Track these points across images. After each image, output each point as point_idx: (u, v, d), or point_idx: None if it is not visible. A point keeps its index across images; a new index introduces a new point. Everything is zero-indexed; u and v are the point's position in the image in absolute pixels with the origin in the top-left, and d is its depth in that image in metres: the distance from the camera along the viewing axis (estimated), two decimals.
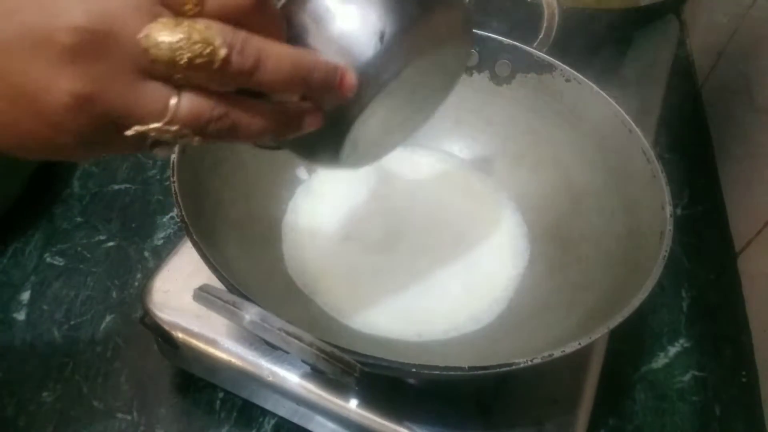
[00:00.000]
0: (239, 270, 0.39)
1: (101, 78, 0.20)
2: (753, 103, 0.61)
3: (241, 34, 0.22)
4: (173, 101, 0.21)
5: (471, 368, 0.31)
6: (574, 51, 0.50)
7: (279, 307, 0.34)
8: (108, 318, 0.51)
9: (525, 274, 0.47)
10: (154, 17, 0.20)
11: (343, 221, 0.48)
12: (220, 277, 0.33)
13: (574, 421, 0.40)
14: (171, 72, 0.21)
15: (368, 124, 0.29)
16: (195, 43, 0.20)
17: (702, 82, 0.77)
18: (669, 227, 0.37)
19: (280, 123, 0.25)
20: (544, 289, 0.45)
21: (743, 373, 0.50)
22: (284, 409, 0.44)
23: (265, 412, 0.46)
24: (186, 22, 0.21)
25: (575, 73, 0.47)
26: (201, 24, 0.21)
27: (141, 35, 0.20)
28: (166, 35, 0.20)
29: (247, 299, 0.31)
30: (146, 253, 0.55)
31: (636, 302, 0.33)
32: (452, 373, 0.31)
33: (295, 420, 0.44)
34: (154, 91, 0.21)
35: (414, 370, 0.31)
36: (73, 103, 0.20)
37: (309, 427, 0.44)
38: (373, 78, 0.26)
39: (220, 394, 0.47)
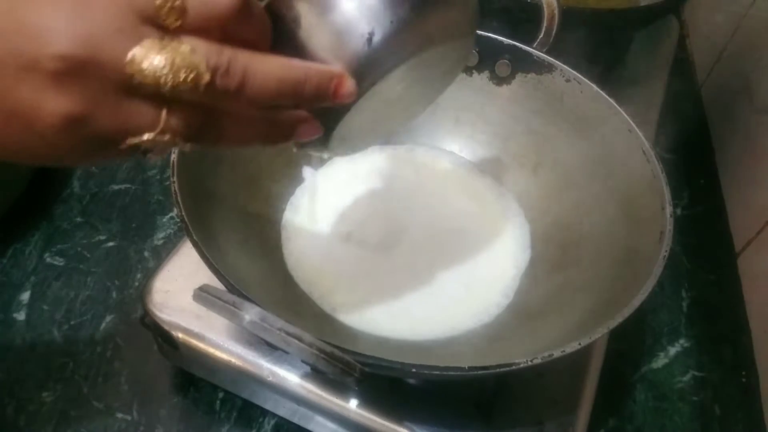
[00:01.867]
0: (239, 270, 0.39)
1: (89, 100, 0.20)
2: (753, 103, 0.61)
3: (227, 54, 0.22)
4: (163, 113, 0.22)
5: (471, 368, 0.31)
6: (574, 51, 0.50)
7: (279, 307, 0.34)
8: (108, 318, 0.51)
9: (525, 274, 0.47)
10: (138, 39, 0.20)
11: (344, 221, 0.48)
12: (220, 277, 0.33)
13: (574, 421, 0.40)
14: (157, 92, 0.21)
15: (357, 119, 0.28)
16: (179, 69, 0.21)
17: (702, 82, 0.77)
18: (669, 227, 0.37)
19: (271, 131, 0.26)
20: (544, 289, 0.45)
21: (743, 373, 0.50)
22: (284, 409, 0.44)
23: (265, 412, 0.46)
24: (170, 45, 0.21)
25: (575, 73, 0.47)
26: (185, 46, 0.21)
27: (125, 61, 0.20)
28: (149, 62, 0.20)
29: (247, 299, 0.31)
30: (146, 253, 0.55)
31: (636, 302, 0.33)
32: (452, 373, 0.31)
33: (295, 420, 0.44)
34: (143, 107, 0.21)
35: (414, 370, 0.31)
36: (62, 124, 0.20)
37: (309, 427, 0.44)
38: (361, 79, 0.26)
39: (220, 394, 0.47)
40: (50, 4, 0.20)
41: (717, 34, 0.74)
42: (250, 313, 0.29)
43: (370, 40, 0.25)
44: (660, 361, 0.52)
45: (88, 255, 0.55)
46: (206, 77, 0.21)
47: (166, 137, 0.22)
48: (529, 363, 0.31)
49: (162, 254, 0.55)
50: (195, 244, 0.34)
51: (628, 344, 0.52)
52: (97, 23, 0.20)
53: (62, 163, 0.23)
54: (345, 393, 0.39)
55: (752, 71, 0.63)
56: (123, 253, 0.55)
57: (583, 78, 0.47)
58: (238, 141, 0.25)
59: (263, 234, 0.46)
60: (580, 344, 0.32)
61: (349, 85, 0.25)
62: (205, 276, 0.33)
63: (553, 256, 0.47)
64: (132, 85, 0.21)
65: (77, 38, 0.20)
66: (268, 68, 0.23)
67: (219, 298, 0.30)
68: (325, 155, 0.32)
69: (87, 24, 0.20)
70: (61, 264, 0.54)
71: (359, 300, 0.44)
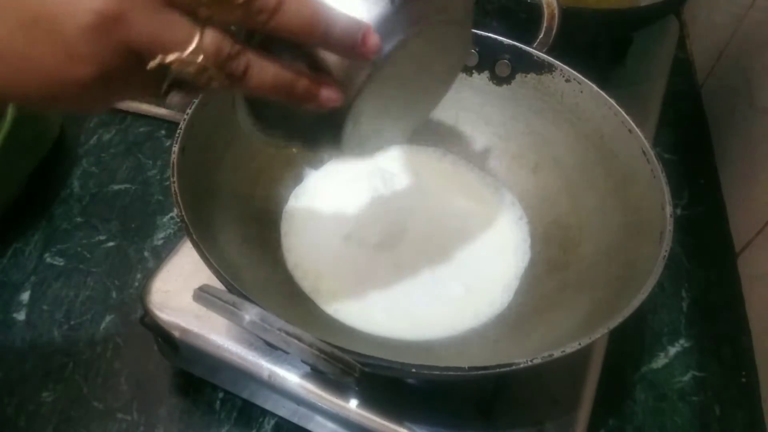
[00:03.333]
0: (239, 270, 0.39)
1: (126, 1, 0.20)
2: (753, 103, 0.61)
3: None
4: (197, 33, 0.22)
5: (471, 368, 0.31)
6: (574, 51, 0.50)
7: (279, 307, 0.34)
8: (108, 318, 0.51)
9: (525, 274, 0.47)
10: None
11: (344, 221, 0.48)
12: (220, 277, 0.33)
13: (574, 421, 0.40)
14: (196, 4, 0.21)
15: (370, 105, 0.28)
16: None
17: (702, 82, 0.77)
18: (669, 227, 0.37)
19: (295, 84, 0.25)
20: (544, 289, 0.45)
21: (743, 373, 0.50)
22: (284, 409, 0.44)
23: (265, 412, 0.46)
24: None
25: (575, 73, 0.47)
26: None
27: None
28: None
29: (247, 299, 0.31)
30: (146, 253, 0.55)
31: (636, 302, 0.33)
32: (452, 373, 0.31)
33: (295, 420, 0.44)
34: (179, 21, 0.21)
35: (414, 370, 0.31)
36: (97, 22, 0.20)
37: (309, 427, 0.44)
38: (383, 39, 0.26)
39: (220, 394, 0.47)
40: None
41: (717, 34, 0.74)
42: (250, 313, 0.29)
43: (393, 0, 0.26)
44: (660, 361, 0.52)
45: (88, 255, 0.55)
46: None
47: (198, 60, 0.22)
48: (529, 363, 0.31)
49: (162, 254, 0.55)
50: (195, 244, 0.34)
51: (628, 344, 0.52)
52: None
53: (73, 95, 0.22)
54: (345, 393, 0.39)
55: (752, 71, 0.63)
56: (123, 253, 0.55)
57: (583, 78, 0.47)
58: (262, 85, 0.24)
59: (263, 234, 0.46)
60: (580, 344, 0.32)
61: (374, 38, 0.25)
62: (205, 276, 0.33)
63: (553, 256, 0.47)
64: None
65: None
66: (302, 3, 0.23)
67: (219, 298, 0.30)
68: (336, 155, 0.31)
69: None
70: (61, 264, 0.54)
71: (359, 300, 0.44)
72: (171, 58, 0.21)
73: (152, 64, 0.21)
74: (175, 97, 0.24)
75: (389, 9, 0.26)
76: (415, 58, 0.29)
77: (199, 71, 0.22)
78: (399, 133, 0.36)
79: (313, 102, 0.26)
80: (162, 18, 0.21)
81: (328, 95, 0.26)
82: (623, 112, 0.44)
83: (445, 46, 0.31)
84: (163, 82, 0.23)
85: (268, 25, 0.23)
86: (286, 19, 0.23)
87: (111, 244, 0.56)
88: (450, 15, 0.29)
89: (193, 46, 0.22)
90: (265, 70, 0.24)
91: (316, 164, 0.52)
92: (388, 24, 0.26)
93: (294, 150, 0.31)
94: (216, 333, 0.41)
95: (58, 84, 0.21)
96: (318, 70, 0.26)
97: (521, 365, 0.31)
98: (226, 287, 0.33)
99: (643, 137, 0.43)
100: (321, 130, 0.29)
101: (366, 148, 0.34)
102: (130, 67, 0.22)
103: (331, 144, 0.30)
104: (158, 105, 0.68)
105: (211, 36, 0.22)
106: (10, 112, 0.52)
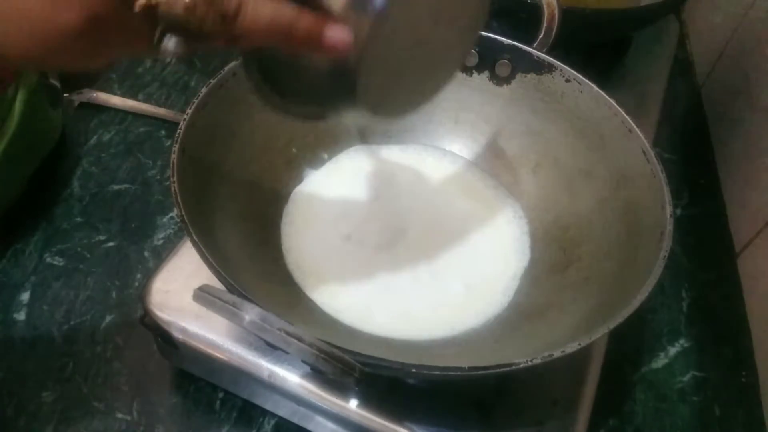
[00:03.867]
0: (239, 270, 0.39)
1: None
2: (753, 103, 0.61)
3: None
4: None
5: (471, 368, 0.31)
6: (574, 51, 0.50)
7: (279, 307, 0.34)
8: (108, 318, 0.51)
9: (525, 274, 0.47)
10: None
11: (344, 221, 0.48)
12: (220, 278, 0.33)
13: (574, 421, 0.40)
14: None
15: (383, 55, 0.27)
16: None
17: (702, 82, 0.77)
18: (669, 227, 0.37)
19: (294, 22, 0.23)
20: (545, 289, 0.45)
21: (743, 373, 0.50)
22: (284, 409, 0.44)
23: (265, 412, 0.46)
24: None
25: (575, 73, 0.47)
26: None
27: None
28: None
29: (247, 299, 0.31)
30: (146, 253, 0.55)
31: (636, 302, 0.33)
32: (452, 373, 0.31)
33: (295, 420, 0.44)
34: None
35: (414, 370, 0.31)
36: None
37: (309, 427, 0.44)
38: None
39: (220, 394, 0.47)
40: None
41: (717, 34, 0.74)
42: (250, 313, 0.29)
43: None
44: (660, 361, 0.52)
45: (88, 255, 0.55)
46: None
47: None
48: (529, 363, 0.31)
49: (162, 254, 0.55)
50: (195, 244, 0.34)
51: (628, 344, 0.52)
52: None
53: (61, 45, 0.21)
54: (345, 393, 0.39)
55: (752, 71, 0.63)
56: (123, 253, 0.55)
57: (583, 78, 0.47)
58: (258, 25, 0.23)
59: (263, 234, 0.46)
60: (580, 344, 0.32)
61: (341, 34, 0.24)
62: (205, 276, 0.33)
63: (553, 256, 0.47)
64: None
65: None
66: None
67: (219, 298, 0.30)
68: (357, 116, 0.29)
69: None
70: (61, 264, 0.54)
71: (359, 300, 0.44)
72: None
73: (138, 4, 0.20)
74: (169, 44, 0.22)
75: None
76: (422, 16, 0.27)
77: (188, 10, 0.21)
78: (423, 92, 0.33)
79: (317, 46, 0.24)
80: None
81: (334, 37, 0.24)
82: (623, 112, 0.44)
83: (457, 13, 0.29)
84: (155, 28, 0.22)
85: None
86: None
87: (111, 244, 0.56)
88: None
89: None
90: (260, 8, 0.23)
91: (316, 164, 0.52)
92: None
93: (317, 119, 0.29)
94: (216, 333, 0.41)
95: (48, 34, 0.21)
96: (320, 10, 0.24)
97: (521, 365, 0.31)
98: (226, 287, 0.33)
99: (643, 137, 0.43)
100: (336, 88, 0.27)
101: (388, 107, 0.31)
102: (119, 11, 0.21)
103: (349, 102, 0.28)
104: (158, 105, 0.68)
105: None
106: (16, 113, 0.52)
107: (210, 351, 0.41)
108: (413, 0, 0.26)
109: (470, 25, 0.33)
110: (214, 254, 0.34)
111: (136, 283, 0.53)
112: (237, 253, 0.41)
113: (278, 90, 0.29)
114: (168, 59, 0.24)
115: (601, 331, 0.32)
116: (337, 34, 0.24)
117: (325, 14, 0.24)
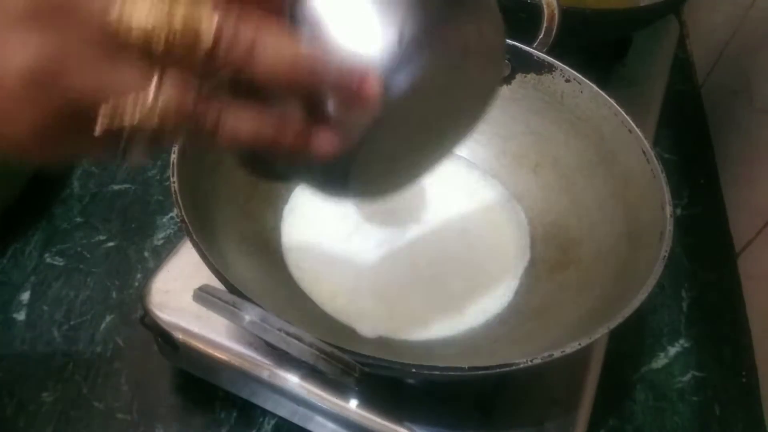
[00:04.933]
0: (239, 270, 0.39)
1: (62, 47, 0.17)
2: (753, 103, 0.61)
3: (233, 14, 0.18)
4: (153, 83, 0.18)
5: (471, 368, 0.31)
6: (574, 51, 0.50)
7: (279, 307, 0.34)
8: (108, 318, 0.51)
9: (525, 274, 0.47)
10: None
11: (344, 221, 0.48)
12: (220, 278, 0.33)
13: (574, 421, 0.40)
14: (147, 52, 0.18)
15: (380, 146, 0.25)
16: (174, 25, 0.17)
17: (702, 82, 0.77)
18: (669, 227, 0.37)
19: (280, 131, 0.21)
20: (545, 289, 0.45)
21: (743, 373, 0.50)
22: (284, 409, 0.44)
23: (265, 412, 0.46)
24: None
25: (575, 73, 0.47)
26: None
27: (109, 10, 0.17)
28: (138, 13, 0.17)
29: (247, 299, 0.31)
30: (146, 253, 0.55)
31: (636, 302, 0.33)
32: (452, 373, 0.31)
33: (295, 420, 0.44)
34: (129, 67, 0.18)
35: (414, 370, 0.31)
36: (28, 75, 0.17)
37: (309, 427, 0.44)
38: (387, 84, 0.22)
39: (220, 394, 0.47)
40: None
41: (717, 35, 0.74)
42: (250, 313, 0.29)
43: (401, 41, 0.22)
44: (660, 361, 0.52)
45: (88, 255, 0.55)
46: (208, 41, 0.18)
47: (155, 115, 0.18)
48: (529, 363, 0.31)
49: (162, 254, 0.55)
50: (195, 244, 0.34)
51: (628, 344, 0.52)
52: None
53: (17, 151, 0.19)
54: (345, 393, 0.39)
55: (752, 71, 0.63)
56: (123, 253, 0.55)
57: (583, 78, 0.47)
58: (240, 136, 0.20)
59: (263, 234, 0.46)
60: (580, 344, 0.32)
61: (374, 84, 0.20)
62: (205, 276, 0.33)
63: (553, 256, 0.47)
64: (117, 39, 0.17)
65: None
66: (281, 44, 0.19)
67: (219, 298, 0.30)
68: (343, 202, 0.28)
69: None
70: (61, 264, 0.54)
71: (359, 300, 0.44)
72: (121, 121, 0.18)
73: (99, 127, 0.18)
74: (134, 157, 0.19)
75: (395, 48, 0.22)
76: (435, 90, 0.25)
77: (160, 129, 0.18)
78: (417, 173, 0.31)
79: (305, 152, 0.21)
80: (107, 68, 0.17)
81: (323, 143, 0.21)
82: (623, 112, 0.44)
83: (470, 74, 0.27)
84: (119, 142, 0.18)
85: (240, 74, 0.19)
86: (261, 65, 0.19)
87: (111, 244, 0.56)
88: (472, 46, 0.25)
89: (149, 101, 0.18)
90: (242, 119, 0.20)
91: None
92: (393, 64, 0.22)
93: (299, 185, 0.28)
94: (216, 333, 0.41)
95: None
96: (309, 111, 0.21)
97: (521, 365, 0.31)
98: (226, 287, 0.33)
99: (643, 137, 0.43)
100: (326, 174, 0.25)
101: (379, 190, 0.30)
102: (75, 129, 0.18)
103: (339, 190, 0.26)
104: None
105: (170, 87, 0.18)
106: None
107: (210, 351, 0.41)
108: (417, 96, 0.23)
109: (474, 112, 0.31)
110: (214, 254, 0.34)
111: (136, 283, 0.53)
112: (237, 253, 0.41)
113: (260, 165, 0.27)
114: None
115: (601, 331, 0.32)
116: (328, 142, 0.21)
117: (314, 116, 0.22)
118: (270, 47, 0.19)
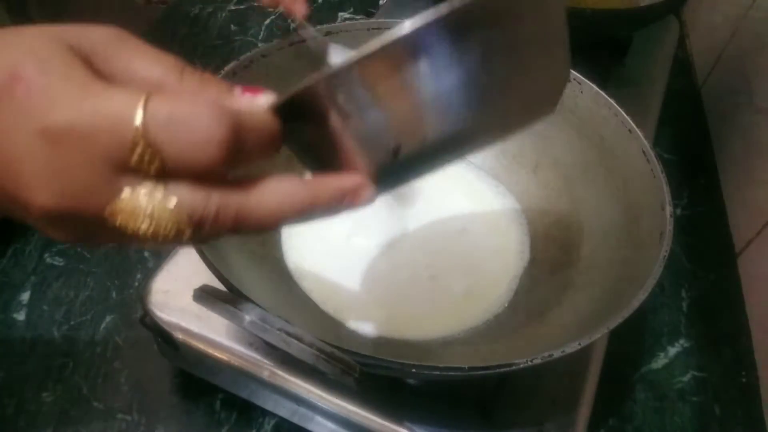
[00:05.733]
0: (239, 270, 0.39)
1: (77, 235, 0.21)
2: (753, 103, 0.61)
3: (214, 201, 0.21)
4: (159, 195, 0.20)
5: (471, 368, 0.31)
6: (573, 51, 0.49)
7: (279, 307, 0.34)
8: (108, 318, 0.51)
9: (525, 274, 0.47)
10: (116, 192, 0.20)
11: (344, 221, 0.48)
12: (220, 277, 0.33)
13: (574, 421, 0.40)
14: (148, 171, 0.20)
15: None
16: (158, 223, 0.20)
17: (702, 82, 0.77)
18: (669, 227, 0.37)
19: (313, 201, 0.23)
20: (545, 288, 0.45)
21: (743, 373, 0.50)
22: (284, 409, 0.44)
23: (265, 413, 0.46)
24: (151, 195, 0.20)
25: (575, 73, 0.47)
26: (167, 198, 0.20)
27: (105, 215, 0.20)
28: (126, 215, 0.20)
29: (247, 299, 0.31)
30: (146, 253, 0.55)
31: (636, 302, 0.33)
32: (452, 373, 0.31)
33: (295, 420, 0.44)
34: (138, 191, 0.20)
35: (414, 370, 0.31)
36: (47, 218, 0.20)
37: (309, 427, 0.44)
38: (381, 183, 0.24)
39: (220, 394, 0.47)
40: (29, 162, 0.19)
41: (717, 35, 0.74)
42: (250, 313, 0.29)
43: (396, 152, 0.23)
44: (660, 361, 0.52)
45: (88, 255, 0.55)
46: (188, 232, 0.20)
47: (169, 228, 0.21)
48: (529, 363, 0.31)
49: (162, 254, 0.54)
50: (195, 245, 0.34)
51: (628, 344, 0.52)
52: (73, 181, 0.19)
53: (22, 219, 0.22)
54: (345, 393, 0.39)
55: (752, 71, 0.63)
56: (123, 253, 0.55)
57: (583, 78, 0.47)
58: (265, 222, 0.22)
59: (263, 234, 0.46)
60: (580, 344, 0.32)
61: (366, 194, 0.23)
62: (205, 276, 0.33)
63: (553, 256, 0.47)
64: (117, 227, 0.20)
65: (55, 195, 0.20)
66: (266, 203, 0.22)
67: (219, 298, 0.30)
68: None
69: (63, 182, 0.19)
70: (61, 264, 0.54)
71: (359, 300, 0.44)
72: (139, 231, 0.20)
73: (115, 239, 0.21)
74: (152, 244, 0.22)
75: (387, 161, 0.23)
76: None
77: (176, 236, 0.21)
78: (454, 155, 0.32)
79: (342, 208, 0.23)
80: (118, 188, 0.20)
81: (365, 195, 0.23)
82: (623, 112, 0.44)
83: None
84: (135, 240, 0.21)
85: (235, 232, 0.22)
86: (249, 230, 0.22)
87: (111, 243, 0.56)
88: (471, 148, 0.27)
89: (165, 219, 0.20)
90: (263, 204, 0.22)
91: None
92: (387, 174, 0.24)
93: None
94: (216, 333, 0.41)
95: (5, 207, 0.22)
96: (332, 167, 0.23)
97: (521, 365, 0.31)
98: (226, 287, 0.33)
99: (643, 137, 0.43)
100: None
101: (409, 178, 0.30)
102: (97, 230, 0.21)
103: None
104: None
105: (179, 198, 0.20)
106: None
107: (210, 351, 0.41)
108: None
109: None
110: (214, 254, 0.34)
111: (136, 283, 0.53)
112: (237, 253, 0.41)
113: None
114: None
115: (601, 331, 0.32)
116: (364, 193, 0.23)
117: (340, 167, 0.23)
118: (255, 212, 0.22)
